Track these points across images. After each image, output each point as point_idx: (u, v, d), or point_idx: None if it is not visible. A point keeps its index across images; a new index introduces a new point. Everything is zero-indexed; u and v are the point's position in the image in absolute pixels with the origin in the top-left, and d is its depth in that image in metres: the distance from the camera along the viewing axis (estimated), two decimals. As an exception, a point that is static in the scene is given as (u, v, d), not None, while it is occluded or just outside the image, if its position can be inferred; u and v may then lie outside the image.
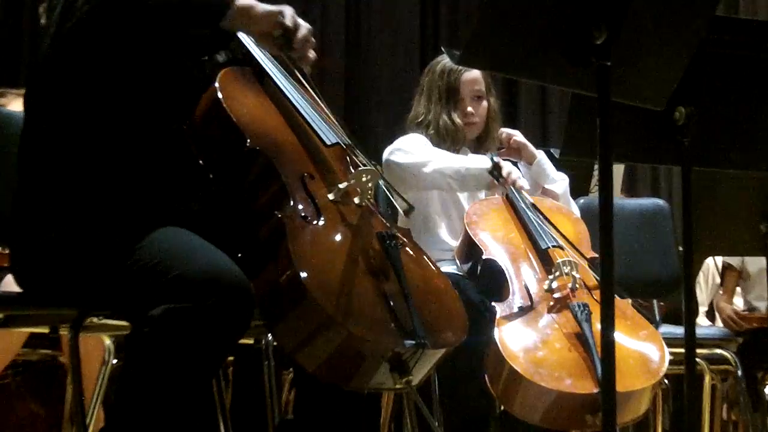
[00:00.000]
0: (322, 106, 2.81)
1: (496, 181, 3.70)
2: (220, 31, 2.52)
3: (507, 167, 3.68)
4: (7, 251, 3.79)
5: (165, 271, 2.29)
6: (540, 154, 4.08)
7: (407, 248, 2.66)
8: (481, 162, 3.79)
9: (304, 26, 2.60)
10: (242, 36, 2.84)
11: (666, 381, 3.70)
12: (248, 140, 2.55)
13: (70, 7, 2.49)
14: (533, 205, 3.72)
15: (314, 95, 2.79)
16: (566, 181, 4.08)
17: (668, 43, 2.24)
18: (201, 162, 2.58)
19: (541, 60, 2.11)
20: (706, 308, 6.45)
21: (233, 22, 2.51)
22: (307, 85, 2.76)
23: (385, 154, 3.94)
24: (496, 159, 3.72)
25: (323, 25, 7.49)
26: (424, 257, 2.74)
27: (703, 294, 6.49)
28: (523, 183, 3.71)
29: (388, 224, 2.69)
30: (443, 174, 3.78)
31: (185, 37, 2.53)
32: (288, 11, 2.57)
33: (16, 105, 4.42)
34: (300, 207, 2.49)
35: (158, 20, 2.47)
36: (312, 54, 2.64)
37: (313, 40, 2.63)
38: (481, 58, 2.13)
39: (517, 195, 3.78)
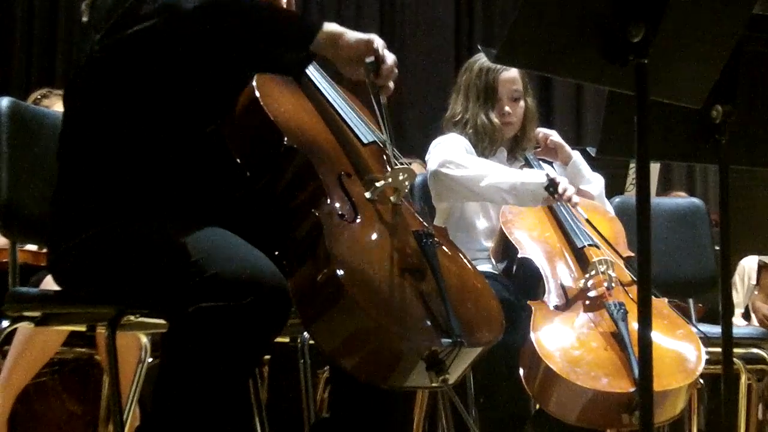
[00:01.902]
0: (388, 140, 2.81)
1: (552, 198, 3.65)
2: (307, 55, 2.55)
3: (563, 183, 3.63)
4: (45, 250, 3.84)
5: (203, 270, 2.30)
6: (575, 155, 4.07)
7: (444, 247, 2.65)
8: (536, 177, 3.70)
9: (391, 57, 2.64)
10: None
11: (701, 381, 3.68)
12: (285, 139, 2.55)
13: (132, 12, 2.49)
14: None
15: (386, 132, 2.78)
16: (602, 182, 4.06)
17: (706, 41, 2.23)
18: (238, 161, 2.59)
19: (578, 58, 2.11)
20: (742, 310, 6.41)
21: (320, 47, 2.55)
22: (380, 118, 2.76)
23: (433, 164, 3.85)
24: (552, 176, 3.67)
25: (357, 24, 7.50)
26: (461, 256, 2.74)
27: (739, 296, 6.45)
28: (578, 199, 3.66)
29: (425, 223, 2.69)
30: (499, 189, 3.72)
31: (270, 58, 2.57)
32: (378, 40, 2.62)
33: (59, 106, 4.46)
34: (337, 205, 2.50)
35: (246, 39, 2.50)
36: (392, 85, 2.68)
37: (396, 71, 2.67)
38: (518, 56, 2.12)
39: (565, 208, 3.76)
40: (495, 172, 3.74)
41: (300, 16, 2.61)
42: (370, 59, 2.59)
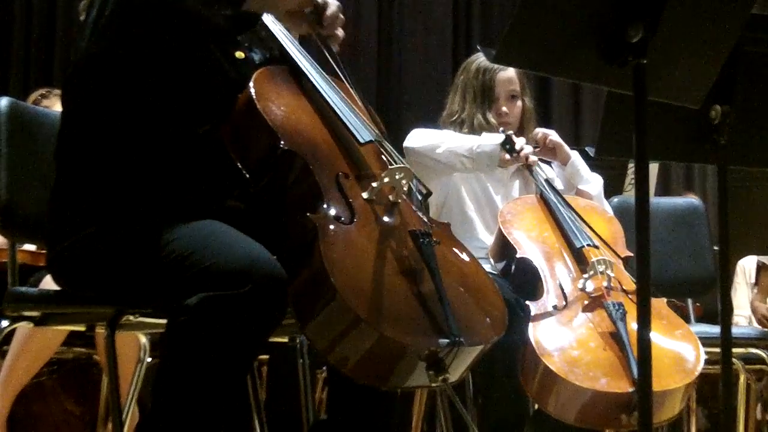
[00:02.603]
0: (356, 98, 2.81)
1: (508, 155, 3.70)
2: (245, 14, 2.51)
3: (520, 142, 3.68)
4: (44, 251, 3.84)
5: (200, 261, 2.31)
6: (574, 155, 4.07)
7: (444, 244, 2.65)
8: (493, 139, 3.79)
9: (333, 3, 2.58)
10: (277, 33, 2.85)
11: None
12: (282, 142, 2.55)
13: (104, 3, 2.50)
14: (567, 204, 3.71)
15: (347, 83, 2.77)
16: (600, 182, 4.07)
17: (704, 42, 2.23)
18: (237, 163, 2.59)
19: (576, 58, 2.11)
20: (749, 311, 6.39)
21: (256, 3, 2.51)
22: (337, 68, 2.74)
23: (405, 143, 3.96)
24: (508, 132, 3.72)
25: (356, 23, 7.50)
26: (463, 252, 2.73)
27: (745, 297, 6.44)
28: (535, 158, 3.71)
29: (425, 220, 2.68)
30: (456, 154, 3.80)
31: (207, 20, 2.52)
32: None
33: (59, 105, 4.46)
34: (333, 208, 2.50)
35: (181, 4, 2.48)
36: (341, 32, 2.63)
37: (342, 17, 2.61)
38: (517, 56, 2.13)
39: (551, 194, 3.77)
40: (452, 139, 3.81)
41: None
42: (309, 9, 2.54)
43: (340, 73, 2.75)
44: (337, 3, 2.59)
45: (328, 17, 2.55)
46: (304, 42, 2.87)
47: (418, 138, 3.96)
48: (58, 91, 4.73)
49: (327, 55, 2.71)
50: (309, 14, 2.54)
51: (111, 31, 2.53)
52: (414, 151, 3.90)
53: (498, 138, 3.77)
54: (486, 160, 3.80)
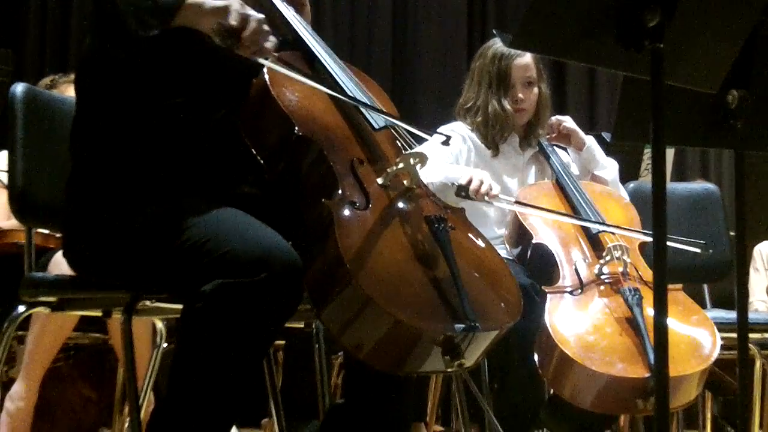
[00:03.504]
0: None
1: (467, 199, 3.54)
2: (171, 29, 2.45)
3: (475, 184, 3.50)
4: (57, 235, 3.86)
5: (216, 248, 2.32)
6: (589, 140, 4.06)
7: (459, 229, 2.65)
8: (451, 176, 3.64)
9: (253, 19, 2.39)
10: (290, 18, 2.84)
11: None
12: (297, 127, 2.55)
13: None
14: (583, 190, 3.71)
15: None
16: (616, 167, 4.06)
17: (721, 26, 2.22)
18: (253, 150, 2.59)
19: (593, 43, 2.10)
20: (761, 298, 6.37)
21: (182, 18, 2.42)
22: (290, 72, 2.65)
23: None
24: (459, 182, 3.50)
25: (370, 10, 7.49)
26: (478, 237, 2.73)
27: (763, 281, 6.42)
28: (496, 189, 3.55)
29: (439, 205, 2.68)
30: (433, 187, 3.63)
31: (138, 36, 2.44)
32: (234, 6, 2.38)
33: (69, 93, 4.47)
34: (348, 193, 2.49)
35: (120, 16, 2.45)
36: (269, 43, 2.43)
37: (265, 28, 2.42)
38: (534, 41, 2.12)
39: (567, 179, 3.77)
40: (430, 173, 3.64)
41: None
42: (223, 30, 2.37)
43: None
44: (259, 17, 2.39)
45: (246, 38, 2.37)
46: (317, 28, 2.86)
47: None
48: (66, 79, 4.74)
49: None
50: (226, 36, 2.36)
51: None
52: None
53: (451, 180, 3.60)
54: (452, 199, 3.63)
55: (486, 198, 3.49)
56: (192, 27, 2.44)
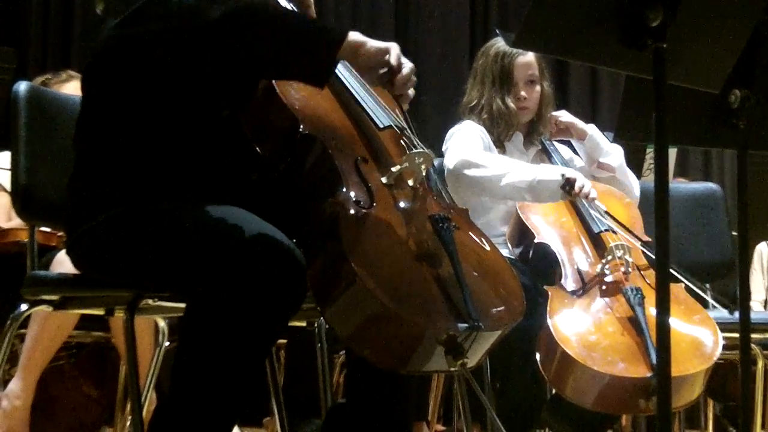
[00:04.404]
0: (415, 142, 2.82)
1: (568, 195, 3.64)
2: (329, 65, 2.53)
3: (579, 181, 3.63)
4: (59, 233, 3.86)
5: (218, 246, 2.32)
6: (591, 129, 4.06)
7: (463, 229, 2.65)
8: (552, 174, 3.72)
9: (408, 66, 2.62)
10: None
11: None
12: (302, 126, 2.56)
13: (155, 6, 2.50)
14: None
15: (411, 132, 2.78)
16: (621, 152, 4.05)
17: (724, 25, 2.22)
18: (257, 148, 2.59)
19: (595, 42, 2.10)
20: (764, 296, 6.38)
21: (342, 56, 2.53)
22: (404, 123, 2.77)
23: (451, 163, 3.86)
24: (567, 175, 3.65)
25: (372, 10, 7.49)
26: (481, 238, 2.74)
27: (759, 282, 6.43)
28: (595, 194, 3.65)
29: (443, 205, 2.69)
30: (518, 188, 3.71)
31: (291, 68, 2.54)
32: (395, 50, 2.59)
33: (64, 90, 4.47)
34: (352, 192, 2.50)
35: (270, 49, 2.48)
36: (411, 92, 2.68)
37: (414, 79, 2.66)
38: (536, 40, 2.12)
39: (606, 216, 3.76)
40: (513, 171, 3.73)
41: (325, 27, 2.59)
42: (383, 70, 2.59)
43: (407, 129, 2.77)
44: (411, 66, 2.64)
45: (399, 80, 2.60)
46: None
47: (475, 168, 3.83)
48: (58, 78, 4.74)
49: (398, 112, 2.80)
50: (383, 74, 2.58)
51: (136, 20, 2.53)
52: (473, 180, 3.81)
53: (556, 174, 3.68)
54: (546, 195, 3.73)
55: (585, 200, 3.57)
56: (345, 60, 2.60)
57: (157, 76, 2.55)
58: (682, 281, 3.42)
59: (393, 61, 2.57)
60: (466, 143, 3.88)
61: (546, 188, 3.66)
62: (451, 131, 4.02)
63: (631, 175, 4.09)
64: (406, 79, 2.62)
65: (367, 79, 2.66)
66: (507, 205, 3.94)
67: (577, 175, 3.66)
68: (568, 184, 3.59)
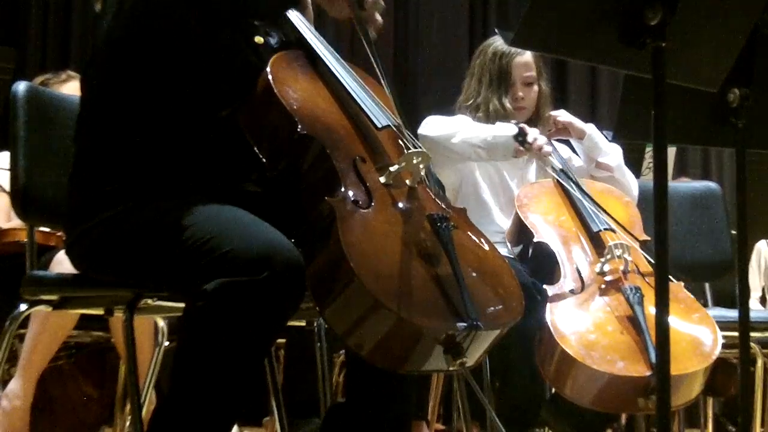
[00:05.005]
0: (383, 84, 2.80)
1: (521, 147, 3.69)
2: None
3: (533, 133, 3.68)
4: (58, 233, 3.86)
5: (218, 247, 2.31)
6: (590, 128, 4.06)
7: (461, 228, 2.65)
8: (506, 129, 3.80)
9: None
10: (294, 18, 2.85)
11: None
12: (299, 126, 2.55)
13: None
14: (583, 189, 3.71)
15: (378, 70, 2.77)
16: (619, 152, 4.05)
17: (723, 24, 2.23)
18: (255, 148, 2.59)
19: (595, 41, 2.11)
20: (759, 293, 6.41)
21: None
22: (371, 54, 2.74)
23: (419, 130, 3.95)
24: (520, 124, 3.71)
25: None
26: (480, 237, 2.73)
27: (755, 279, 6.45)
28: (549, 149, 3.69)
29: (442, 205, 2.68)
30: (471, 144, 3.80)
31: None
32: None
33: (63, 90, 4.47)
34: (351, 192, 2.50)
35: None
36: (380, 18, 2.65)
37: (382, 2, 2.64)
38: (535, 39, 2.12)
39: (567, 178, 3.77)
40: (466, 128, 3.81)
41: None
42: None
43: (373, 60, 2.75)
44: None
45: (368, 3, 2.59)
46: (319, 27, 2.87)
47: (432, 126, 3.96)
48: (57, 78, 4.74)
49: (363, 40, 2.73)
50: (347, 2, 2.59)
51: (134, 16, 2.53)
52: (429, 139, 3.88)
53: (511, 129, 3.77)
54: (501, 151, 3.80)
55: (540, 152, 3.60)
56: None
57: (154, 72, 2.56)
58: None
59: None
60: (439, 116, 3.98)
61: (499, 143, 3.76)
62: None
63: (629, 175, 4.09)
64: (374, 1, 2.63)
65: (333, 9, 2.66)
66: (507, 200, 3.94)
67: (532, 129, 3.74)
68: (521, 134, 3.69)
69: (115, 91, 2.60)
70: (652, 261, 3.21)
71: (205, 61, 2.60)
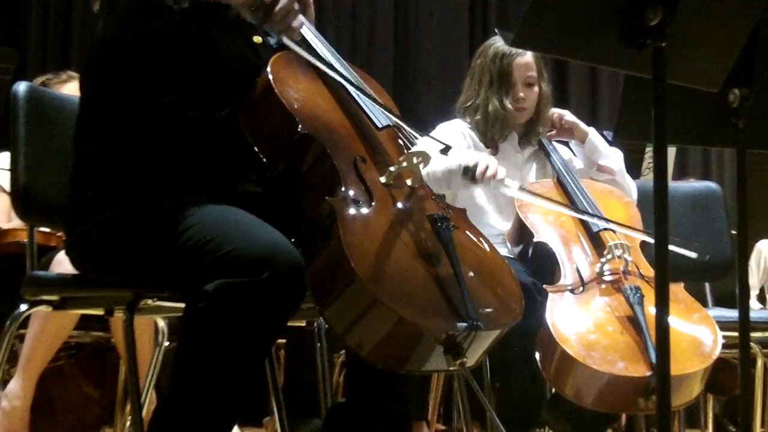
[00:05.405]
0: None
1: (475, 182, 3.58)
2: (203, 4, 2.50)
3: (481, 164, 3.53)
4: (58, 233, 3.86)
5: (218, 247, 2.32)
6: (591, 132, 4.06)
7: (461, 229, 2.65)
8: (456, 163, 3.62)
9: None
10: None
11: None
12: (300, 125, 2.55)
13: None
14: (584, 188, 3.71)
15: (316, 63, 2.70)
16: (620, 155, 4.05)
17: (723, 24, 2.23)
18: (255, 147, 2.59)
19: (595, 42, 2.10)
20: (757, 292, 6.41)
21: None
22: (309, 57, 2.66)
23: None
24: (464, 162, 3.55)
25: (372, 6, 7.49)
26: (480, 237, 2.73)
27: (754, 279, 6.45)
28: (502, 174, 3.56)
29: (442, 205, 2.68)
30: (437, 179, 3.66)
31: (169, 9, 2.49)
32: None
33: (66, 89, 4.47)
34: (351, 191, 2.50)
35: None
36: (297, 23, 2.50)
37: (295, 8, 2.48)
38: (535, 39, 2.12)
39: (568, 177, 3.77)
40: (432, 162, 3.66)
41: None
42: (256, 4, 2.42)
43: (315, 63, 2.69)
44: None
45: (277, 13, 2.43)
46: (319, 28, 2.87)
47: None
48: (57, 79, 4.74)
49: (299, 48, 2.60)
50: (256, 10, 2.41)
51: (128, 17, 2.54)
52: None
53: (459, 163, 3.60)
54: (458, 183, 3.65)
55: (492, 182, 3.50)
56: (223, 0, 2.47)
57: (152, 73, 2.56)
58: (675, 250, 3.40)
59: None
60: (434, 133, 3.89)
61: (453, 179, 3.62)
62: (438, 126, 4.04)
63: (628, 178, 4.09)
64: (285, 11, 2.44)
65: (247, 16, 2.46)
66: (499, 207, 3.94)
67: (479, 157, 3.59)
68: (467, 172, 3.53)
69: (113, 92, 2.60)
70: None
71: (204, 61, 2.59)
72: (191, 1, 2.48)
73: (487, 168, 3.52)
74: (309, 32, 2.82)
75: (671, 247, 3.37)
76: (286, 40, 2.52)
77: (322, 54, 2.81)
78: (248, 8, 2.43)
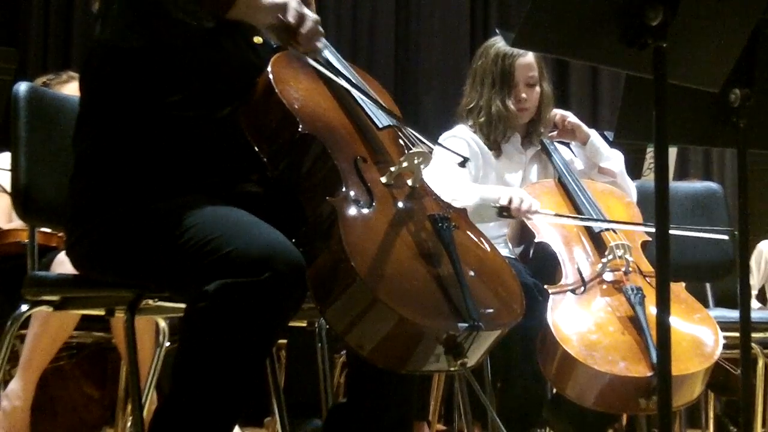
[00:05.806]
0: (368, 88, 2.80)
1: (511, 218, 3.60)
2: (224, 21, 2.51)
3: (516, 200, 3.58)
4: (59, 234, 3.86)
5: (219, 248, 2.32)
6: (593, 134, 4.06)
7: (462, 229, 2.65)
8: (492, 197, 3.67)
9: (310, 19, 2.54)
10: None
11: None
12: (300, 125, 2.55)
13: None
14: (585, 188, 3.71)
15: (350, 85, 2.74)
16: (621, 158, 4.05)
17: (724, 24, 2.23)
18: (255, 147, 2.59)
19: (596, 42, 2.10)
20: (756, 292, 6.41)
21: (237, 11, 2.50)
22: (335, 75, 2.71)
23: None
24: (501, 203, 3.60)
25: (373, 9, 7.48)
26: (480, 238, 2.73)
27: (754, 279, 6.45)
28: (536, 205, 3.58)
29: (442, 205, 2.68)
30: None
31: (188, 26, 2.50)
32: (292, 4, 2.52)
33: (67, 89, 4.47)
34: (352, 192, 2.50)
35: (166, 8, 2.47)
36: (320, 44, 2.60)
37: (320, 30, 2.58)
38: (536, 39, 2.12)
39: (569, 178, 3.77)
40: (461, 194, 3.64)
41: None
42: (282, 27, 2.52)
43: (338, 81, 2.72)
44: (314, 18, 2.55)
45: (302, 36, 2.53)
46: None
47: (436, 182, 3.75)
48: (58, 79, 4.74)
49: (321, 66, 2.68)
50: (282, 31, 2.52)
51: (125, 18, 2.53)
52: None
53: (495, 198, 3.64)
54: (488, 216, 3.67)
55: (528, 215, 3.53)
56: (245, 21, 2.54)
57: (154, 73, 2.56)
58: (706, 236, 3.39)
59: (289, 17, 2.51)
60: (442, 173, 3.81)
61: (485, 212, 3.64)
62: (442, 136, 4.02)
63: (628, 180, 4.10)
64: (311, 33, 2.55)
65: (272, 37, 2.61)
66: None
67: (511, 193, 3.63)
68: (504, 210, 3.58)
69: (113, 92, 2.60)
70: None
71: (204, 61, 2.59)
72: (215, 21, 2.49)
73: (521, 203, 3.57)
74: (327, 50, 2.82)
75: (702, 235, 3.39)
76: (310, 61, 2.61)
77: (345, 72, 2.81)
78: (274, 30, 2.51)
